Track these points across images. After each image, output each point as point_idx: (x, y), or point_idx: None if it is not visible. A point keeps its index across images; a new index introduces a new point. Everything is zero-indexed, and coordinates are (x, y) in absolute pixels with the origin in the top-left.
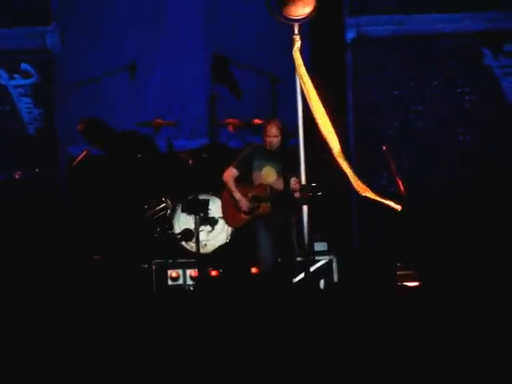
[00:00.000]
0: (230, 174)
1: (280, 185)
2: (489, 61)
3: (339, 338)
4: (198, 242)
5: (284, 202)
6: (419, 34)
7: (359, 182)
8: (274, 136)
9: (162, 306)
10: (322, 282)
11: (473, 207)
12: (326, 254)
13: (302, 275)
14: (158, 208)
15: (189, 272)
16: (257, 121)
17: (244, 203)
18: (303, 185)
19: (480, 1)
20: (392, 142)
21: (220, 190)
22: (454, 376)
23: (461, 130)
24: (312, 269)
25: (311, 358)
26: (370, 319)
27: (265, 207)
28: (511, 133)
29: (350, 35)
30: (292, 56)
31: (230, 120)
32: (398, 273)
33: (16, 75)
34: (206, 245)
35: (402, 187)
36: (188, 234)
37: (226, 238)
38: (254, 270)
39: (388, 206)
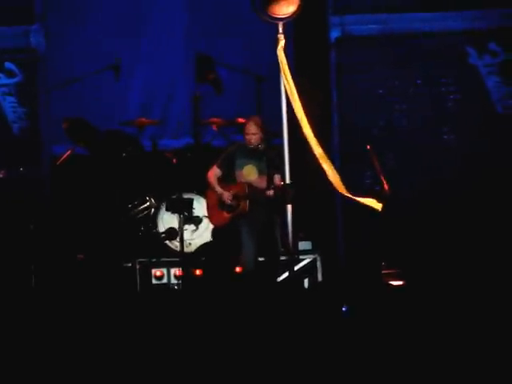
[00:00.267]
0: (214, 173)
1: (261, 183)
2: (473, 60)
3: (323, 337)
4: (182, 240)
5: (264, 200)
6: (404, 33)
7: (340, 183)
8: (253, 133)
9: (147, 304)
10: (306, 281)
11: (457, 206)
12: (310, 253)
13: (286, 274)
14: (142, 207)
15: (173, 271)
16: (240, 119)
17: (226, 195)
18: (285, 183)
19: (465, 0)
20: (376, 140)
21: (204, 189)
22: (438, 371)
23: (445, 129)
24: (296, 268)
25: (295, 356)
26: (355, 318)
27: (244, 205)
28: (496, 132)
29: (335, 34)
30: (276, 55)
31: (214, 119)
32: (383, 272)
33: (0, 74)
34: (190, 244)
35: (386, 186)
36: (172, 233)
37: (210, 236)
38: (237, 269)
39: (368, 206)
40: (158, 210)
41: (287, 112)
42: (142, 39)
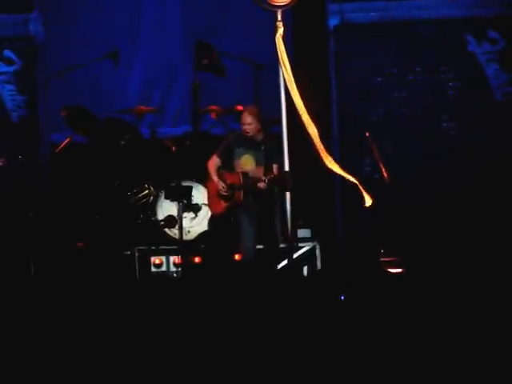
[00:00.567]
0: (213, 162)
1: (259, 173)
2: (472, 47)
3: (322, 325)
4: (181, 228)
5: (260, 190)
6: (403, 20)
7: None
8: (248, 123)
9: (146, 292)
10: (305, 269)
11: (456, 194)
12: (309, 241)
13: (285, 262)
14: (141, 195)
15: (172, 259)
16: (239, 107)
17: (221, 184)
18: (284, 172)
19: None
20: (375, 128)
21: (203, 176)
22: (437, 359)
23: (444, 117)
24: (295, 255)
25: (294, 344)
26: (354, 305)
27: (238, 195)
28: (495, 120)
29: (333, 22)
30: (275, 43)
31: (213, 107)
32: (382, 259)
33: None
34: (189, 231)
35: (385, 174)
36: (171, 221)
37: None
38: (237, 256)
39: (362, 195)
40: (156, 197)
41: (286, 100)
42: (142, 27)
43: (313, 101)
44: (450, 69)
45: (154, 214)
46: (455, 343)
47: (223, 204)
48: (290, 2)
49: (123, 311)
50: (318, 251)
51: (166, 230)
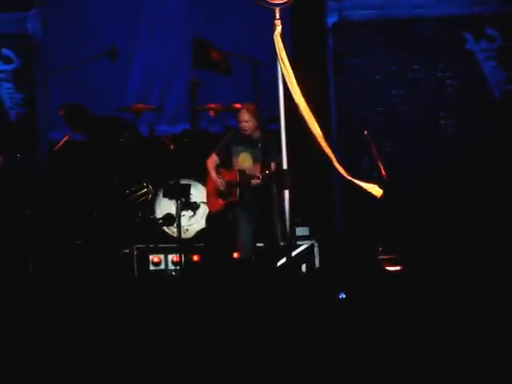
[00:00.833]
0: (212, 160)
1: (256, 170)
2: (470, 45)
3: (320, 322)
4: (179, 226)
5: (256, 188)
6: (401, 18)
7: (340, 167)
8: (245, 121)
9: (144, 290)
10: (303, 267)
11: (454, 192)
12: (307, 239)
13: (283, 260)
14: (139, 193)
15: (170, 257)
16: (237, 105)
17: (219, 182)
18: (283, 170)
19: None
20: (374, 126)
21: (201, 174)
22: (436, 357)
23: (442, 114)
24: (294, 253)
25: (293, 342)
26: (352, 303)
27: (235, 192)
28: (493, 117)
29: (332, 19)
30: (273, 41)
31: (211, 105)
32: (380, 257)
33: None
34: (187, 230)
35: (383, 172)
36: (169, 219)
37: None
38: (235, 255)
39: (368, 191)
40: (155, 196)
41: (284, 98)
42: (141, 25)
43: (311, 98)
44: (449, 66)
45: (153, 212)
46: (454, 341)
47: (220, 202)
48: (288, 0)
49: (122, 309)
50: (316, 249)
51: (165, 228)
